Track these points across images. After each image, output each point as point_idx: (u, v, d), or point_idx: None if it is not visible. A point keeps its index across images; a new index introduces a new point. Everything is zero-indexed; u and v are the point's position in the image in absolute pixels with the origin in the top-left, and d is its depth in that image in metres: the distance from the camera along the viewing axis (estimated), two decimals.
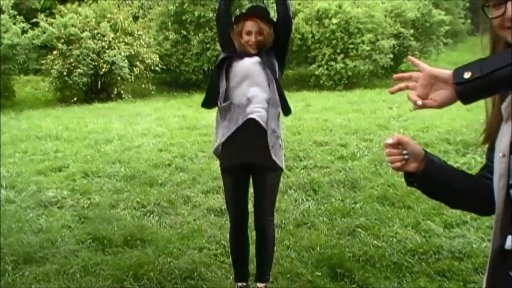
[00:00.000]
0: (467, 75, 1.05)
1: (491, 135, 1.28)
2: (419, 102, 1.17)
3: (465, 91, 1.07)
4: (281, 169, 3.08)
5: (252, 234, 3.32)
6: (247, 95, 2.96)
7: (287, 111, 3.09)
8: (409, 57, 1.28)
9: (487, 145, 1.32)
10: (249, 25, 2.95)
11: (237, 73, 3.01)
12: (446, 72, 1.12)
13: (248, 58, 3.01)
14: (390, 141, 1.32)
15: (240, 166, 3.02)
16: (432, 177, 1.34)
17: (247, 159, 2.99)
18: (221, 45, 3.22)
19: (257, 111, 2.95)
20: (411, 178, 1.35)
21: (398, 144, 1.31)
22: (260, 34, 2.96)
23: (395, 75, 1.26)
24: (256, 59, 3.00)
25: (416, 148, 1.32)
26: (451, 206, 1.55)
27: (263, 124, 2.94)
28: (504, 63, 1.02)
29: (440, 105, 1.16)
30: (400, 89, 1.25)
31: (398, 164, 1.32)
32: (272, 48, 3.05)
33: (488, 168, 1.31)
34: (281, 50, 3.08)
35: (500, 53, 1.09)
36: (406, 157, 1.32)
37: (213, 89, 3.07)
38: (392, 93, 1.28)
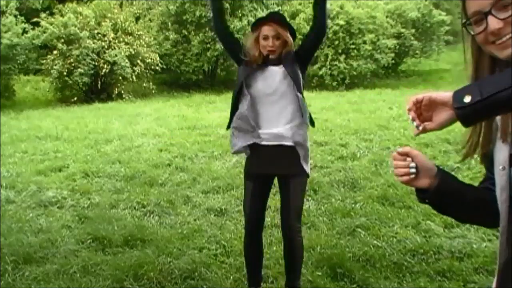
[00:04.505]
0: (467, 98, 1.04)
1: (486, 152, 1.26)
2: (420, 127, 1.17)
3: (466, 115, 1.06)
4: (308, 176, 3.05)
5: (266, 240, 3.26)
6: (274, 112, 2.92)
7: (311, 122, 3.07)
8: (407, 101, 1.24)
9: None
10: (265, 29, 2.87)
11: (261, 88, 2.93)
12: (444, 95, 1.11)
13: (272, 67, 2.91)
14: (400, 149, 1.29)
15: (267, 174, 3.02)
16: (445, 195, 1.31)
17: (277, 170, 2.99)
18: (236, 61, 3.08)
19: (285, 133, 2.92)
20: (423, 195, 1.33)
21: (407, 155, 1.29)
22: (278, 39, 2.87)
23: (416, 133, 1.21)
24: (281, 69, 2.90)
25: (427, 163, 1.30)
26: (461, 221, 1.51)
27: (292, 144, 2.93)
28: (503, 85, 1.01)
29: (440, 127, 1.16)
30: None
31: (405, 177, 1.29)
32: (296, 54, 2.94)
33: (490, 180, 1.29)
34: (306, 58, 3.00)
35: (499, 75, 1.08)
36: (412, 170, 1.28)
37: (235, 109, 2.97)
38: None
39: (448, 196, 1.32)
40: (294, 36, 2.98)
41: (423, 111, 1.16)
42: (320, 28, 2.93)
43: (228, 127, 3.08)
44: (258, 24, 2.97)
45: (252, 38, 2.96)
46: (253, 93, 2.94)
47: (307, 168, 3.00)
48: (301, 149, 2.96)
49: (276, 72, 2.92)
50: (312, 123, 3.08)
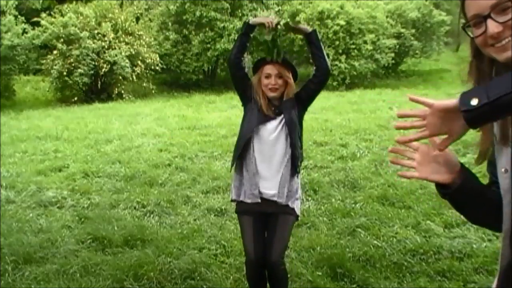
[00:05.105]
0: (474, 101, 1.04)
1: (484, 153, 1.27)
2: (440, 147, 1.17)
3: (474, 118, 1.06)
4: (298, 216, 3.04)
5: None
6: (268, 157, 2.90)
7: (297, 169, 3.00)
8: (410, 96, 1.21)
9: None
10: (268, 68, 2.87)
11: (261, 134, 2.91)
12: (451, 101, 1.10)
13: (270, 122, 2.89)
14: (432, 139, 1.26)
15: (259, 211, 2.99)
16: (467, 194, 1.30)
17: (267, 209, 2.96)
18: (240, 96, 3.03)
19: (278, 198, 2.90)
20: (445, 190, 1.31)
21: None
22: (280, 77, 2.87)
23: (398, 113, 1.21)
24: (278, 123, 2.88)
25: (453, 159, 1.29)
26: (472, 221, 1.48)
27: (281, 200, 2.91)
28: (510, 88, 1.01)
29: (459, 137, 1.16)
30: (405, 128, 1.23)
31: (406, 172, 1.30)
32: (297, 97, 2.93)
33: (495, 184, 1.28)
34: (308, 101, 3.00)
35: (505, 77, 1.07)
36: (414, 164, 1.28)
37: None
38: (400, 143, 1.25)
39: (469, 195, 1.31)
40: (296, 77, 2.97)
41: (431, 124, 1.15)
42: (323, 74, 2.93)
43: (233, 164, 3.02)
44: (260, 64, 2.94)
45: (255, 78, 2.94)
46: (255, 137, 2.92)
47: (298, 209, 3.00)
48: (289, 191, 2.94)
49: (275, 121, 2.90)
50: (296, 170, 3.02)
